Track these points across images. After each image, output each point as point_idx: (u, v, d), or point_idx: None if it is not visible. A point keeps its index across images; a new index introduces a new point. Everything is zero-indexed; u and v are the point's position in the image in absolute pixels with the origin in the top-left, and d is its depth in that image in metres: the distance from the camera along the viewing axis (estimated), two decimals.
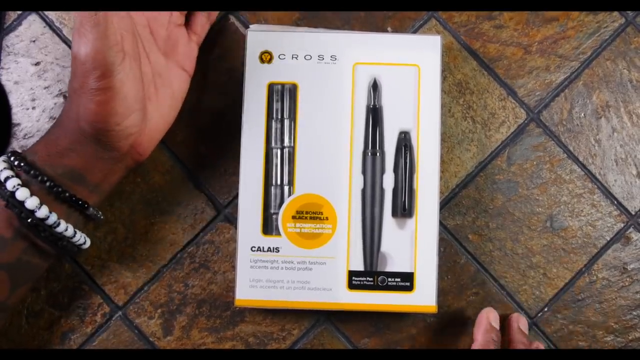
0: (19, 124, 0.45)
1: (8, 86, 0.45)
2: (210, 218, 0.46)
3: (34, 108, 0.45)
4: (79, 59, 0.35)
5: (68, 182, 0.37)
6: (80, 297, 0.45)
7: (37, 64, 0.46)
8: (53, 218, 0.37)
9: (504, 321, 0.45)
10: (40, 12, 0.46)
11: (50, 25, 0.46)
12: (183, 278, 0.45)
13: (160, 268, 0.45)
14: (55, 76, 0.45)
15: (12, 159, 0.37)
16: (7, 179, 0.36)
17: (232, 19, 0.46)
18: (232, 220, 0.46)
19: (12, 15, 0.46)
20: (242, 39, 0.44)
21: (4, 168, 0.36)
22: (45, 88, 0.46)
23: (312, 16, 0.46)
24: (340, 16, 0.46)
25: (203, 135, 0.46)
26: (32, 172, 0.36)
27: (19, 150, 0.38)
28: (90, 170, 0.38)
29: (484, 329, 0.43)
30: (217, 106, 0.46)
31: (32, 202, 0.36)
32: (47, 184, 0.36)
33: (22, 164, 0.36)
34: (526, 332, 0.44)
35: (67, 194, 0.37)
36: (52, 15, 0.46)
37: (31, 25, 0.46)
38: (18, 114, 0.45)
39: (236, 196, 0.45)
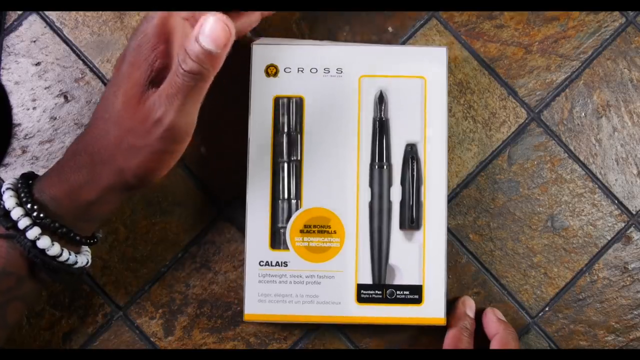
0: (19, 124, 0.45)
1: (9, 86, 0.45)
2: (211, 218, 0.46)
3: (34, 108, 0.45)
4: (163, 125, 0.34)
5: (82, 224, 0.38)
6: (81, 298, 0.45)
7: (38, 64, 0.46)
8: (73, 259, 0.37)
9: (480, 317, 0.45)
10: (40, 12, 0.46)
11: (50, 25, 0.46)
12: (184, 278, 0.45)
13: (161, 268, 0.45)
14: (56, 76, 0.45)
15: (28, 206, 0.36)
16: (27, 228, 0.36)
17: None
18: (233, 220, 0.46)
19: (13, 15, 0.46)
20: (242, 39, 0.44)
21: (22, 215, 0.36)
22: (45, 88, 0.46)
23: (313, 16, 0.46)
24: (341, 16, 0.46)
25: (203, 136, 0.46)
26: (53, 224, 0.36)
27: (27, 170, 0.39)
28: (107, 210, 0.39)
29: (458, 317, 0.44)
30: (217, 107, 0.46)
31: (54, 250, 0.36)
32: (69, 234, 0.37)
33: (41, 215, 0.36)
34: (504, 320, 0.45)
35: (84, 239, 0.38)
36: (52, 15, 0.46)
37: (32, 25, 0.46)
38: (19, 114, 0.45)
39: (237, 196, 0.45)
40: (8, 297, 0.37)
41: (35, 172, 0.39)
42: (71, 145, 0.38)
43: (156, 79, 0.35)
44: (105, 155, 0.36)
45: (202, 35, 0.32)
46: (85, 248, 0.40)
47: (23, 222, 0.35)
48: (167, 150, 0.36)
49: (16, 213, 0.36)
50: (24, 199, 0.36)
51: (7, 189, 0.37)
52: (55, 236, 0.36)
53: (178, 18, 0.37)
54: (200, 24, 0.33)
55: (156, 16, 0.36)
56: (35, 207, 0.36)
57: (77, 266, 0.38)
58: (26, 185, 0.37)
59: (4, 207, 0.36)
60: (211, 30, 0.32)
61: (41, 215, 0.36)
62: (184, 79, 0.34)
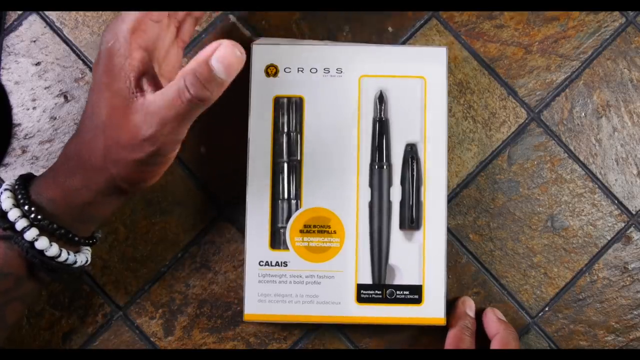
0: (19, 124, 0.45)
1: (9, 86, 0.45)
2: (211, 218, 0.46)
3: (34, 108, 0.45)
4: (153, 144, 0.34)
5: (80, 225, 0.38)
6: (81, 298, 0.45)
7: (38, 64, 0.46)
8: (72, 258, 0.37)
9: (481, 317, 0.45)
10: (40, 12, 0.46)
11: (50, 25, 0.46)
12: (184, 278, 0.45)
13: (161, 268, 0.45)
14: (56, 76, 0.45)
15: (26, 208, 0.35)
16: (24, 229, 0.35)
17: (233, 19, 0.46)
18: (233, 220, 0.46)
19: (13, 15, 0.46)
20: (242, 39, 0.44)
21: (19, 217, 0.35)
22: (45, 88, 0.46)
23: (313, 16, 0.46)
24: (340, 16, 0.46)
25: (203, 136, 0.46)
26: (50, 226, 0.36)
27: (28, 172, 0.39)
28: (106, 212, 0.38)
29: (459, 316, 0.44)
30: (217, 106, 0.45)
31: (53, 250, 0.36)
32: (68, 235, 0.37)
33: (38, 217, 0.35)
34: (504, 320, 0.45)
35: (83, 240, 0.38)
36: (52, 15, 0.46)
37: (32, 25, 0.46)
38: (19, 114, 0.45)
39: (237, 196, 0.45)
40: (7, 298, 0.37)
41: (34, 173, 0.39)
42: (64, 148, 0.38)
43: (137, 86, 0.34)
44: (96, 162, 0.36)
45: (216, 61, 0.32)
46: (85, 247, 0.40)
47: (21, 224, 0.35)
48: (157, 162, 0.36)
49: (13, 214, 0.35)
50: (21, 201, 0.36)
51: (5, 189, 0.36)
52: (53, 237, 0.36)
53: (150, 22, 0.36)
54: (212, 48, 0.32)
55: (127, 19, 0.35)
56: (33, 208, 0.35)
57: (76, 265, 0.38)
58: (23, 186, 0.37)
59: (1, 208, 0.36)
60: (225, 57, 0.32)
61: (39, 216, 0.35)
62: (189, 104, 0.33)
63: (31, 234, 0.35)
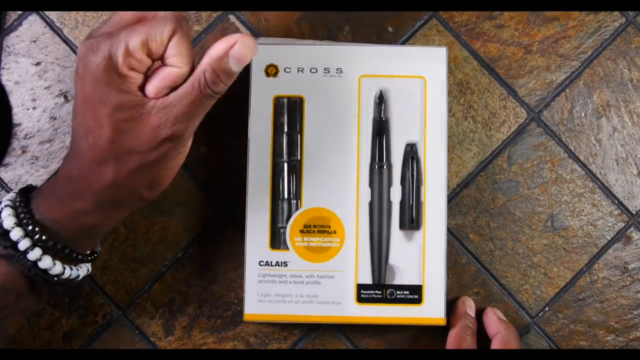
0: (19, 124, 0.45)
1: (9, 86, 0.45)
2: (211, 218, 0.46)
3: (34, 108, 0.45)
4: (175, 140, 0.34)
5: (85, 242, 0.37)
6: (81, 298, 0.45)
7: (38, 64, 0.46)
8: (74, 273, 0.37)
9: (481, 317, 0.45)
10: (40, 12, 0.46)
11: (50, 25, 0.46)
12: (184, 278, 0.45)
13: (161, 268, 0.45)
14: (56, 76, 0.45)
15: (29, 228, 0.34)
16: (27, 249, 0.34)
17: (232, 19, 0.46)
18: (233, 220, 0.46)
19: (13, 15, 0.46)
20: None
21: (22, 237, 0.34)
22: (45, 88, 0.46)
23: (313, 16, 0.46)
24: (340, 16, 0.46)
25: (204, 135, 0.46)
26: (54, 245, 0.35)
27: (32, 184, 0.38)
28: (112, 227, 0.38)
29: (459, 316, 0.44)
30: (217, 106, 0.45)
31: (56, 269, 0.35)
32: (72, 254, 0.36)
33: (43, 237, 0.34)
34: (505, 320, 0.45)
35: (85, 257, 0.37)
36: (52, 15, 0.46)
37: (32, 25, 0.46)
38: (19, 114, 0.45)
39: (237, 196, 0.45)
40: (8, 312, 0.36)
41: (34, 173, 0.39)
42: (63, 168, 0.36)
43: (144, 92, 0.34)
44: (105, 181, 0.34)
45: (233, 60, 0.34)
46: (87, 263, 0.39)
47: (24, 244, 0.34)
48: (178, 156, 0.36)
49: (16, 234, 0.34)
50: (24, 220, 0.35)
51: (6, 206, 0.35)
52: (56, 256, 0.35)
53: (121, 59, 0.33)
54: (228, 44, 0.33)
55: (100, 57, 0.32)
56: (37, 229, 0.35)
57: (79, 279, 0.38)
58: (25, 203, 0.35)
59: (2, 226, 0.35)
60: (241, 56, 0.34)
61: (43, 237, 0.35)
62: (210, 99, 0.35)
63: (34, 254, 0.34)
